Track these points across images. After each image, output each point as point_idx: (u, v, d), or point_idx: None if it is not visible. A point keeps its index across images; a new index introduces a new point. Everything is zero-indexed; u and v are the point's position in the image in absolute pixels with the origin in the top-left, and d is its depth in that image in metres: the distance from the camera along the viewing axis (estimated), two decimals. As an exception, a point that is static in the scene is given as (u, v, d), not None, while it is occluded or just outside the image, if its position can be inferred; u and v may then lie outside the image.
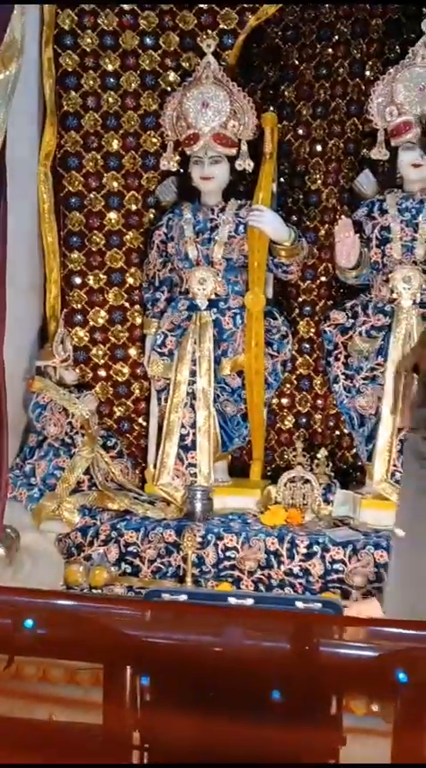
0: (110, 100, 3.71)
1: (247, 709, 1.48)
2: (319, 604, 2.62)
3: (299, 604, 2.63)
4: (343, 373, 3.57)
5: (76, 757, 1.55)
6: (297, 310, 3.81)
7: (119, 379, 3.82)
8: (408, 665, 1.39)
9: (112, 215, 3.78)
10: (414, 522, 1.90)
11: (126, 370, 3.82)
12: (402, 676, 1.37)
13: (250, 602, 2.51)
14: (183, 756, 1.48)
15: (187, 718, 1.50)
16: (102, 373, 3.81)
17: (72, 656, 1.59)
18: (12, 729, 1.56)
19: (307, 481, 3.44)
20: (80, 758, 1.55)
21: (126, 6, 3.64)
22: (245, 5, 3.60)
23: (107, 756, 1.53)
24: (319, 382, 3.77)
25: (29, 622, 1.47)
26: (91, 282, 3.79)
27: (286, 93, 3.77)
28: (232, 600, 2.58)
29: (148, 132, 3.74)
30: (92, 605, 1.68)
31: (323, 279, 3.77)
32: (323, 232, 3.73)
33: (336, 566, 3.17)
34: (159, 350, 3.64)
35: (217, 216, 3.63)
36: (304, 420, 3.82)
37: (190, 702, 1.52)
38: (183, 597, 2.72)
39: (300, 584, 3.17)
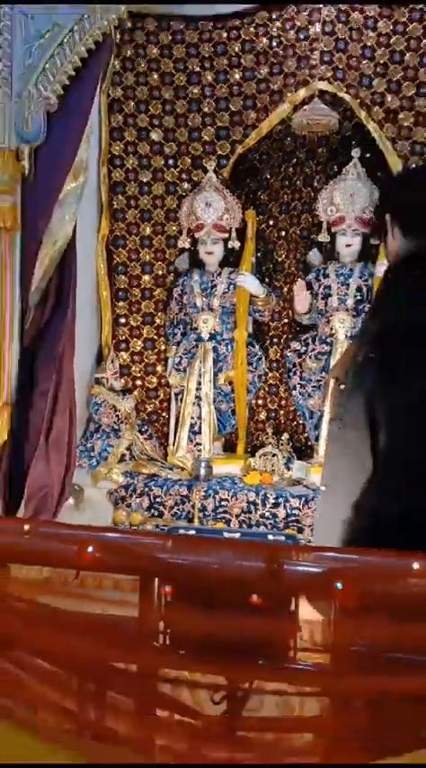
0: (145, 201, 3.70)
1: (235, 607, 1.46)
2: (283, 537, 2.61)
3: (270, 537, 2.62)
4: (299, 383, 3.56)
5: (120, 638, 1.54)
6: (268, 341, 3.80)
7: (150, 387, 3.81)
8: (341, 577, 1.37)
9: (146, 277, 3.77)
10: (330, 478, 1.84)
11: (154, 380, 3.81)
12: (338, 585, 1.35)
13: (237, 535, 2.50)
14: (191, 637, 1.46)
15: (195, 612, 1.48)
16: (139, 383, 3.79)
17: (118, 571, 1.57)
18: (77, 619, 1.53)
19: (275, 455, 3.45)
20: (123, 639, 1.53)
21: (155, 137, 3.63)
22: (235, 139, 3.61)
23: (140, 638, 1.52)
24: (283, 389, 3.76)
25: (89, 548, 1.45)
26: (131, 322, 3.78)
27: (261, 197, 3.77)
28: (225, 534, 2.57)
29: (170, 223, 3.73)
30: (131, 537, 1.67)
31: (285, 320, 3.76)
32: (285, 290, 3.72)
33: (294, 511, 3.16)
34: (177, 367, 3.65)
35: (216, 278, 3.64)
36: (272, 414, 3.81)
37: (197, 602, 1.50)
38: (192, 532, 2.71)
39: (270, 523, 3.16)
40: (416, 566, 1.31)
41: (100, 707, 1.50)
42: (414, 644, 1.41)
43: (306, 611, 1.44)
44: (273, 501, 3.19)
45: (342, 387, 1.79)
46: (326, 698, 1.46)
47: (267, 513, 3.18)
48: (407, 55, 3.33)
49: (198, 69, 3.52)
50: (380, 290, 1.85)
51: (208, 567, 1.45)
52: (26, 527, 1.54)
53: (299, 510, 3.15)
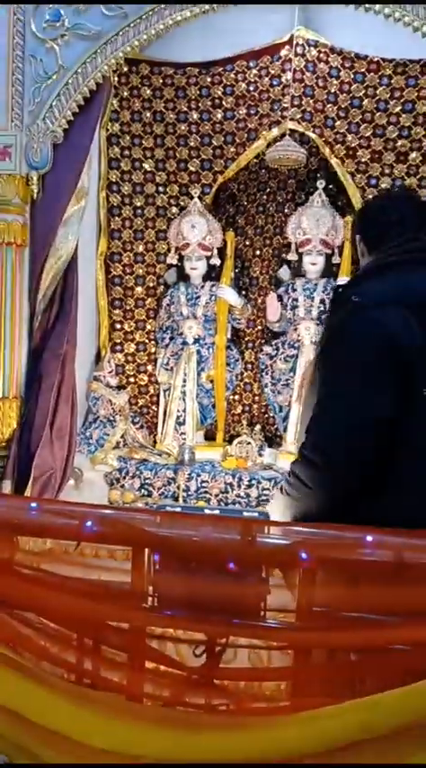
0: (139, 222, 3.69)
1: (214, 573, 1.45)
2: (257, 514, 2.61)
3: (245, 513, 2.62)
4: (271, 382, 3.56)
5: (114, 600, 1.53)
6: (244, 345, 3.79)
7: (141, 384, 3.79)
8: (305, 548, 1.38)
9: (139, 289, 3.75)
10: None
11: (145, 378, 3.79)
12: (303, 555, 1.36)
13: (217, 511, 2.50)
14: (176, 599, 1.46)
15: (179, 578, 1.48)
16: (132, 380, 3.77)
17: (114, 542, 1.56)
18: (76, 584, 1.52)
19: (249, 443, 3.45)
20: (117, 602, 1.53)
21: (147, 167, 3.61)
22: (217, 170, 3.61)
23: (132, 600, 1.51)
24: (256, 387, 3.76)
25: (88, 522, 1.45)
26: (125, 327, 3.76)
27: (239, 220, 3.76)
28: (206, 510, 2.56)
29: (160, 241, 3.71)
30: (125, 513, 1.66)
31: (259, 327, 3.76)
32: (259, 301, 3.72)
33: (265, 491, 3.17)
34: (165, 367, 3.63)
35: (200, 290, 3.62)
36: (247, 408, 3.81)
37: (182, 570, 1.49)
38: (178, 509, 2.70)
39: (245, 501, 3.17)
40: (369, 538, 1.33)
41: (96, 659, 1.50)
42: (365, 604, 1.43)
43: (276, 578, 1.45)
44: (247, 483, 3.20)
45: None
46: (291, 651, 1.47)
47: (242, 494, 3.19)
48: (365, 101, 3.35)
49: (185, 109, 3.50)
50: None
51: (191, 539, 1.45)
52: (33, 504, 1.54)
53: (269, 490, 3.15)
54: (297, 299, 3.50)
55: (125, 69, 3.37)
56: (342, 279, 3.41)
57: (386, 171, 3.45)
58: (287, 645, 1.46)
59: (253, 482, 3.20)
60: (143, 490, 3.27)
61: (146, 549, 1.47)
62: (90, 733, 1.37)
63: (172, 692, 1.47)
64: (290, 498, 1.63)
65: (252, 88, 3.40)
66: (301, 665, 1.46)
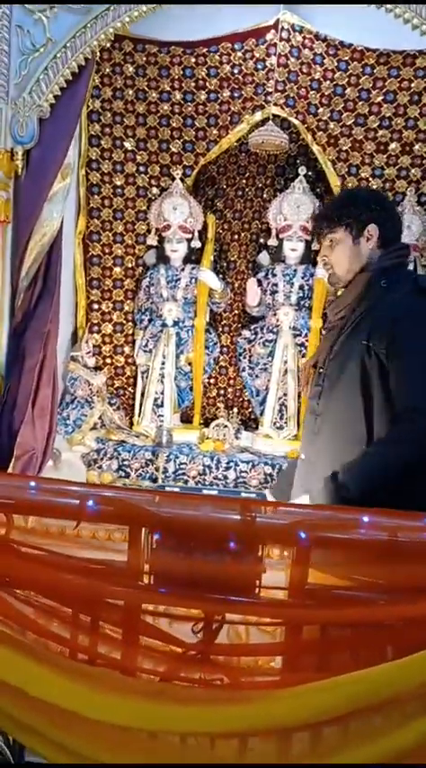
0: (119, 202, 3.63)
1: (212, 552, 1.48)
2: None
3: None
4: (248, 366, 3.58)
5: (111, 579, 1.54)
6: (221, 328, 3.80)
7: (118, 365, 3.76)
8: (303, 527, 1.42)
9: (117, 269, 3.71)
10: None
11: (122, 359, 3.75)
12: (301, 534, 1.39)
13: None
14: (174, 577, 1.48)
15: (177, 557, 1.50)
16: (109, 361, 3.74)
17: (112, 521, 1.56)
18: (75, 563, 1.54)
19: (226, 426, 3.47)
20: (113, 579, 1.54)
21: (128, 146, 3.56)
22: (199, 152, 3.59)
23: (129, 578, 1.53)
24: (232, 370, 3.78)
25: (89, 502, 1.45)
26: (103, 308, 3.72)
27: (218, 203, 3.74)
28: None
29: (140, 222, 3.67)
30: (124, 493, 1.66)
31: (236, 311, 3.77)
32: (236, 285, 3.73)
33: (242, 474, 3.20)
34: (144, 349, 3.60)
35: (180, 273, 3.61)
36: (222, 392, 3.83)
37: (179, 548, 1.51)
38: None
39: (222, 484, 3.18)
40: (366, 518, 1.37)
41: (93, 636, 1.52)
42: (359, 582, 1.48)
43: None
44: (225, 465, 3.22)
45: (321, 371, 1.86)
46: (284, 627, 1.51)
47: (219, 476, 3.21)
48: (348, 89, 3.37)
49: (168, 89, 3.46)
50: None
51: (190, 518, 1.47)
52: (32, 483, 1.54)
53: (247, 473, 3.19)
54: (276, 285, 3.52)
55: (108, 45, 3.29)
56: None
57: (366, 160, 3.49)
58: (281, 621, 1.51)
59: (231, 464, 3.22)
60: (121, 471, 3.26)
61: (144, 528, 1.49)
62: (86, 706, 1.39)
63: (168, 667, 1.50)
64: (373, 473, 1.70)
65: (236, 71, 3.38)
66: (294, 641, 1.50)
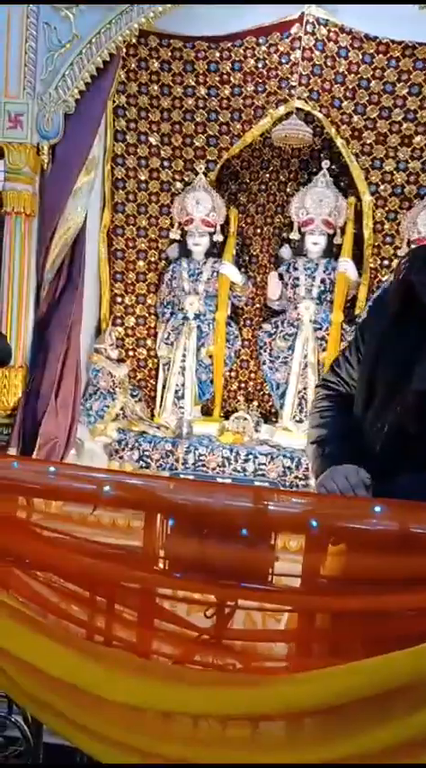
0: (143, 196, 3.66)
1: (227, 538, 1.48)
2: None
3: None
4: (269, 359, 3.58)
5: (128, 562, 1.57)
6: (242, 322, 3.80)
7: (140, 357, 3.79)
8: (315, 517, 1.42)
9: (141, 263, 3.74)
10: None
11: (144, 352, 3.79)
12: (313, 523, 1.40)
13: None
14: (188, 562, 1.50)
15: (191, 542, 1.51)
16: (131, 354, 3.77)
17: (129, 506, 1.58)
18: (94, 547, 1.56)
19: (246, 419, 3.48)
20: (130, 563, 1.56)
21: (153, 141, 3.58)
22: (222, 146, 3.59)
23: (145, 562, 1.55)
24: (253, 364, 3.77)
25: (106, 487, 1.47)
26: (126, 301, 3.75)
27: (241, 198, 3.75)
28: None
29: (163, 216, 3.69)
30: (140, 479, 1.68)
31: (257, 305, 3.77)
32: (258, 279, 3.73)
33: (261, 466, 3.21)
34: (166, 342, 3.64)
35: (202, 267, 3.63)
36: (243, 385, 3.82)
37: (193, 534, 1.52)
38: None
39: (241, 476, 3.18)
40: (378, 508, 1.37)
41: (109, 618, 1.55)
42: (368, 572, 1.48)
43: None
44: (244, 457, 3.24)
45: None
46: (296, 613, 1.52)
47: (239, 468, 3.22)
48: (372, 82, 3.35)
49: (192, 83, 3.48)
50: None
51: (204, 505, 1.49)
52: (51, 468, 1.57)
53: (265, 465, 3.20)
54: (298, 278, 3.51)
55: (133, 41, 3.31)
56: (344, 259, 3.43)
57: (391, 154, 3.46)
58: (292, 608, 1.52)
59: (250, 457, 3.23)
60: (142, 462, 3.30)
61: (159, 514, 1.51)
62: (98, 684, 1.42)
63: (183, 650, 1.52)
64: None
65: (260, 65, 3.38)
66: (305, 627, 1.51)
